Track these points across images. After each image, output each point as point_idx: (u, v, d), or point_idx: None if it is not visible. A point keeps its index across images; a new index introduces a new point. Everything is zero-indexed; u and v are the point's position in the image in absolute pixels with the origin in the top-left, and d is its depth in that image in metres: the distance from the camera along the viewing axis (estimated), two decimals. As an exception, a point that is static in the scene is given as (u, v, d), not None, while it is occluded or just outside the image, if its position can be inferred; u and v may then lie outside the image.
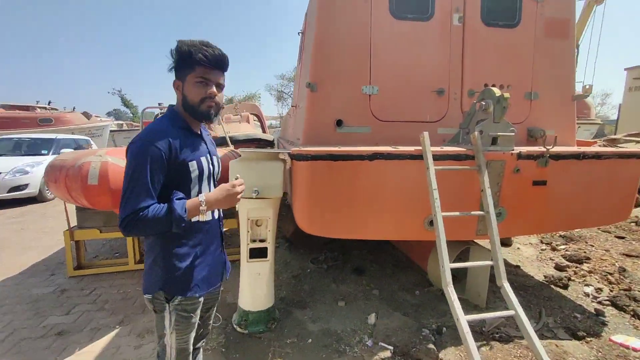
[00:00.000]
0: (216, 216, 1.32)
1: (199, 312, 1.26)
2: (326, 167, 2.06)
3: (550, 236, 4.55)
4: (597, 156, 2.47)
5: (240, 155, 2.25)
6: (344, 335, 2.31)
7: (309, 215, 2.14)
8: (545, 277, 3.27)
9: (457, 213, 2.10)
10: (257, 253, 2.28)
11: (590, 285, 3.10)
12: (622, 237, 4.50)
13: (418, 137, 2.69)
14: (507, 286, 1.97)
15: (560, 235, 4.53)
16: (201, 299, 1.25)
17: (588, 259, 3.68)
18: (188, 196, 1.16)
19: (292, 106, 4.02)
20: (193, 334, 1.27)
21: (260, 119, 13.66)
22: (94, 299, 2.77)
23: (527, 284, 3.14)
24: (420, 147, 2.14)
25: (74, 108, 15.37)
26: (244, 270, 2.29)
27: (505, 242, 4.24)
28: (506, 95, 2.18)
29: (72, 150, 7.29)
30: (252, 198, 2.07)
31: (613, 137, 9.72)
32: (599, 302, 2.82)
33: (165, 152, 1.08)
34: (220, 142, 6.25)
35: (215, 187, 1.30)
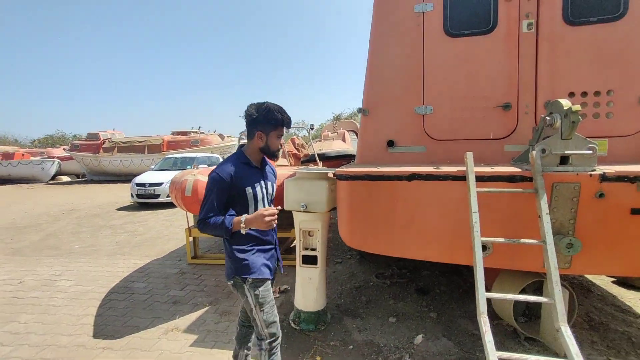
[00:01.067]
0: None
1: (270, 291, 1.70)
2: (364, 186, 2.23)
3: None
4: None
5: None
6: (386, 349, 2.37)
7: (349, 229, 2.33)
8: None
9: (501, 239, 1.93)
10: (309, 260, 2.61)
11: None
12: None
13: (481, 155, 2.56)
14: (565, 330, 1.68)
15: None
16: (267, 281, 1.68)
17: None
18: (246, 211, 1.64)
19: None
20: (274, 309, 1.70)
21: (357, 135, 14.22)
22: (199, 282, 3.64)
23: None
24: (463, 168, 2.07)
25: (214, 131, 19.48)
26: (298, 274, 2.65)
27: (635, 285, 3.29)
28: (575, 107, 1.89)
29: (207, 165, 9.40)
30: (300, 211, 2.42)
31: None
32: None
33: (228, 181, 1.58)
34: (311, 159, 6.97)
35: (270, 205, 1.79)
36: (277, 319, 1.70)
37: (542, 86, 2.45)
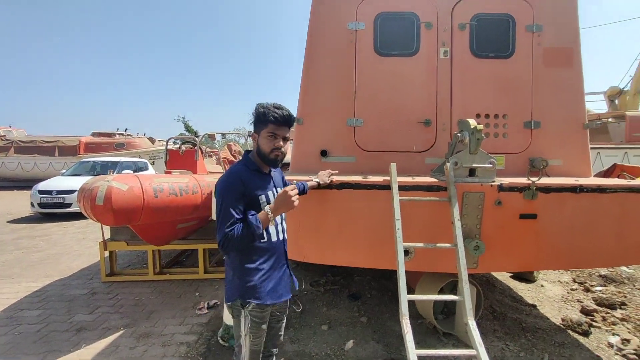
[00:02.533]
0: (280, 237, 1.62)
1: (267, 320, 1.54)
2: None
3: (588, 274, 4.05)
4: (601, 189, 2.27)
5: None
6: (317, 358, 2.37)
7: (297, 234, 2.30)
8: (563, 320, 2.94)
9: (421, 244, 2.10)
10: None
11: (618, 335, 2.72)
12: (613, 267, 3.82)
13: (405, 166, 2.76)
14: (471, 323, 1.88)
15: (601, 275, 4.00)
16: (269, 308, 1.52)
17: (624, 304, 3.21)
18: None
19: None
20: (263, 339, 1.55)
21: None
22: (114, 302, 3.21)
23: (539, 326, 2.86)
24: (388, 177, 2.21)
25: (144, 134, 17.78)
26: (228, 287, 2.52)
27: (527, 278, 3.88)
28: (480, 126, 2.17)
29: (132, 171, 8.47)
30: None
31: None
32: (624, 356, 2.46)
33: (240, 185, 1.43)
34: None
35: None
36: (261, 350, 1.57)
37: (455, 106, 2.77)
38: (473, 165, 2.23)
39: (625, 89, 13.79)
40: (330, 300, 3.29)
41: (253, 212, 1.44)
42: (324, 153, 2.78)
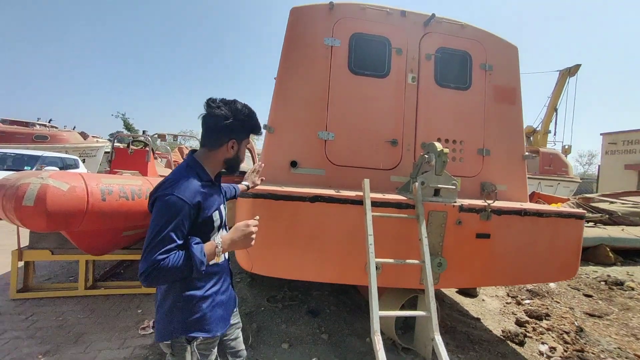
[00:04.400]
0: (226, 256, 1.39)
1: (216, 349, 1.35)
2: (267, 205, 2.14)
3: (518, 289, 4.52)
4: (539, 214, 2.57)
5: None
6: (278, 382, 2.23)
7: (248, 255, 2.16)
8: (503, 332, 3.20)
9: (390, 260, 2.14)
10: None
11: (546, 343, 3.04)
12: (590, 296, 4.47)
13: (371, 182, 2.82)
14: (438, 339, 1.95)
15: (528, 290, 4.50)
16: (218, 337, 1.33)
17: (548, 315, 3.63)
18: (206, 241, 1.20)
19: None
20: None
21: (252, 152, 14.01)
22: (28, 325, 2.66)
23: (484, 338, 3.08)
24: (361, 193, 2.24)
25: (74, 127, 15.72)
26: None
27: (470, 293, 4.19)
28: (446, 150, 2.33)
29: (57, 168, 7.36)
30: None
31: (588, 195, 10.00)
32: (551, 362, 2.75)
33: (194, 209, 1.15)
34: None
35: (225, 231, 1.40)
36: None
37: (420, 129, 2.94)
38: (438, 185, 2.37)
39: (537, 129, 16.29)
40: (289, 317, 3.16)
41: (197, 239, 1.16)
42: (294, 164, 2.72)
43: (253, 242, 1.23)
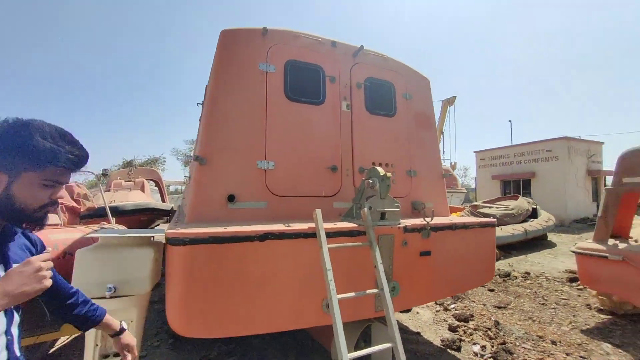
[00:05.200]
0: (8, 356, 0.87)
1: None
2: (209, 252, 1.79)
3: (442, 296, 4.94)
4: (465, 226, 2.85)
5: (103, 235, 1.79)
6: None
7: (186, 314, 1.75)
8: (442, 341, 3.38)
9: (352, 294, 2.03)
10: (112, 373, 1.71)
11: (477, 343, 3.32)
12: (492, 290, 5.19)
13: (315, 211, 2.71)
14: (405, 370, 1.89)
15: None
16: None
17: (472, 316, 4.04)
18: None
19: (186, 177, 3.69)
20: None
21: (159, 185, 12.44)
22: None
23: (428, 352, 3.18)
24: (313, 225, 2.09)
25: None
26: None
27: (405, 308, 4.38)
28: (389, 174, 2.40)
29: None
30: (104, 298, 1.59)
31: (475, 203, 11.96)
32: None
33: None
34: (97, 214, 5.25)
35: (13, 316, 0.91)
36: None
37: (356, 155, 3.00)
38: (385, 209, 2.40)
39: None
40: (232, 377, 2.69)
41: None
42: (231, 198, 2.41)
43: (48, 282, 0.84)
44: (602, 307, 4.10)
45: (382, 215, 2.44)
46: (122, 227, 4.60)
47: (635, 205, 3.96)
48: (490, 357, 3.03)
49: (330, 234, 2.15)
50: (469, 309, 4.33)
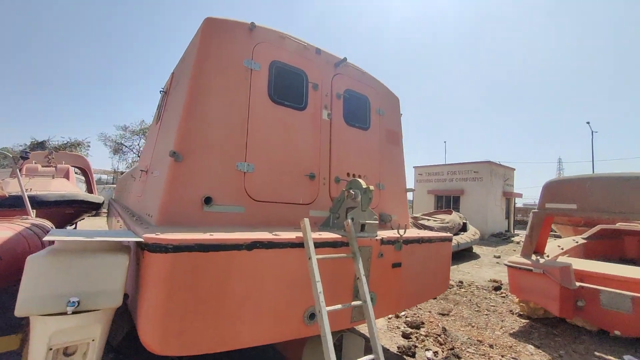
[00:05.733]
0: None
1: None
2: (193, 261, 1.61)
3: (392, 303, 5.19)
4: (430, 240, 3.05)
5: (49, 242, 1.48)
6: None
7: (163, 330, 1.53)
8: (398, 348, 3.53)
9: (339, 306, 2.01)
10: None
11: (429, 349, 3.55)
12: (435, 297, 5.63)
13: (290, 219, 2.64)
14: (385, 382, 1.92)
15: (398, 302, 5.24)
16: None
17: (423, 323, 4.31)
18: None
19: (141, 170, 3.29)
20: None
21: (87, 173, 10.90)
22: None
23: (387, 358, 3.29)
24: (300, 234, 2.03)
25: None
26: None
27: (361, 315, 4.49)
28: (371, 187, 2.45)
29: None
30: (64, 314, 1.32)
31: (415, 215, 12.86)
32: (438, 367, 3.22)
33: None
34: (11, 203, 4.39)
35: None
36: None
37: (333, 164, 3.02)
38: (367, 221, 2.45)
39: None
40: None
41: None
42: (207, 200, 2.21)
43: None
44: (521, 313, 4.74)
45: (362, 227, 2.48)
46: (47, 222, 3.90)
47: (550, 227, 4.70)
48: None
49: (316, 245, 2.10)
50: (418, 316, 4.61)
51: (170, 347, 1.57)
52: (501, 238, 16.22)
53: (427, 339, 3.80)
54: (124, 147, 34.25)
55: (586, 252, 6.32)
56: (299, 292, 2.02)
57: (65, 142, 32.36)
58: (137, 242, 1.56)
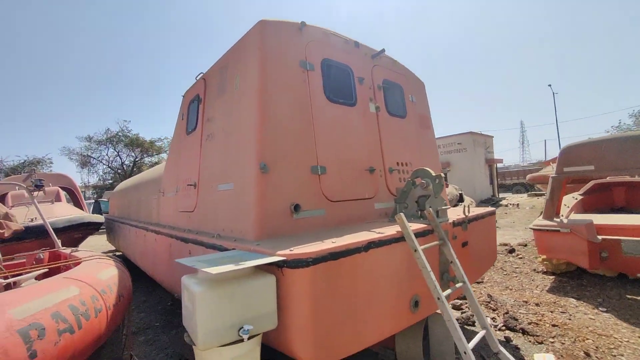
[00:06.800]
0: None
1: None
2: (328, 270, 1.63)
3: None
4: (482, 216, 3.20)
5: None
6: None
7: (315, 341, 1.55)
8: (457, 320, 3.70)
9: (449, 290, 2.10)
10: None
11: (487, 316, 3.77)
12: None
13: (359, 214, 2.68)
14: (503, 350, 2.06)
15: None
16: None
17: (463, 294, 4.54)
18: None
19: (188, 184, 3.18)
20: None
21: (74, 193, 10.30)
22: None
23: (447, 334, 3.47)
24: (399, 229, 2.08)
25: None
26: None
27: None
28: (441, 174, 2.53)
29: None
30: (239, 342, 1.31)
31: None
32: (500, 329, 3.43)
33: None
34: (33, 234, 4.15)
35: None
36: None
37: (385, 155, 3.06)
38: (441, 207, 2.53)
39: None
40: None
41: None
42: (297, 208, 2.21)
43: None
44: (546, 270, 5.10)
45: (437, 213, 2.57)
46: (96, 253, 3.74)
47: (565, 189, 5.03)
48: (503, 326, 3.47)
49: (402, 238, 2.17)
50: (454, 288, 4.85)
51: (321, 356, 1.60)
52: (490, 203, 17.09)
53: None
54: (91, 158, 32.36)
55: (584, 206, 6.82)
56: (404, 283, 2.08)
57: (23, 161, 30.07)
58: (279, 262, 1.55)
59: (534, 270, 5.30)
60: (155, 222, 4.37)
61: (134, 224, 5.20)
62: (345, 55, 2.88)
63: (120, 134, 32.94)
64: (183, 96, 3.74)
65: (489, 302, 4.03)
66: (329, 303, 1.62)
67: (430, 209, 2.38)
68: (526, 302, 3.98)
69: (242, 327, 1.30)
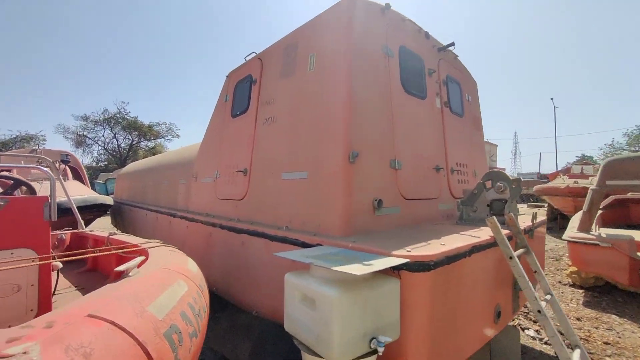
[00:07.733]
0: None
1: None
2: (443, 274, 1.47)
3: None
4: (539, 225, 3.07)
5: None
6: None
7: (432, 349, 1.39)
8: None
9: (544, 303, 1.95)
10: None
11: (528, 328, 3.65)
12: None
13: (425, 215, 2.52)
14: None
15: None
16: None
17: (494, 303, 4.43)
18: None
19: (238, 170, 2.99)
20: None
21: (78, 173, 9.94)
22: None
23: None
24: (491, 234, 1.93)
25: None
26: None
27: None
28: (520, 178, 2.38)
29: None
30: (373, 354, 1.14)
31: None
32: (546, 343, 3.31)
33: None
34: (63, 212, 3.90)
35: None
36: None
37: (449, 154, 2.91)
38: (519, 213, 2.39)
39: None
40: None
41: None
42: (380, 204, 2.04)
43: None
44: (573, 283, 5.02)
45: (511, 218, 2.43)
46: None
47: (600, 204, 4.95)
48: (548, 340, 3.36)
49: (490, 243, 2.01)
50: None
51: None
52: (492, 212, 17.10)
53: (516, 318, 3.91)
54: (87, 139, 31.68)
55: (603, 221, 6.79)
56: (490, 292, 1.94)
57: (15, 136, 29.26)
58: (404, 265, 1.37)
59: (560, 282, 5.22)
60: (181, 208, 4.15)
61: (154, 209, 4.96)
62: (417, 45, 2.70)
63: (117, 115, 32.27)
64: (227, 76, 3.52)
65: (528, 314, 3.92)
66: (442, 311, 1.46)
67: (512, 215, 2.23)
68: (566, 315, 3.88)
69: (374, 338, 1.12)
